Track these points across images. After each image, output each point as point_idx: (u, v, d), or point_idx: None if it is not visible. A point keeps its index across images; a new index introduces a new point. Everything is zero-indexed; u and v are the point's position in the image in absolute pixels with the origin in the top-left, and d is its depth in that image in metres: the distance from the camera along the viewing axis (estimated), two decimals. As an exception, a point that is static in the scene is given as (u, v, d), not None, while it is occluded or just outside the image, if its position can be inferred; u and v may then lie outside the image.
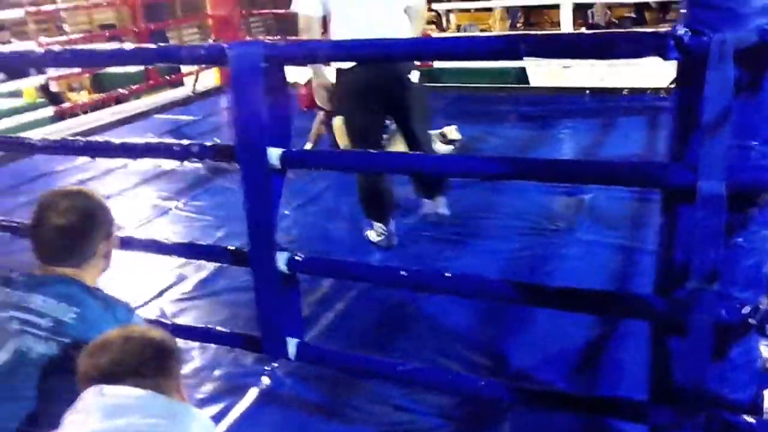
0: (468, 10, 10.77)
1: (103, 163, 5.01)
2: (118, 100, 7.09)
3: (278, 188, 1.68)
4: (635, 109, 5.74)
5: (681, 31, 1.21)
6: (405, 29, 3.05)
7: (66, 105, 6.61)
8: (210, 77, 7.65)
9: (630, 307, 1.47)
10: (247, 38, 7.57)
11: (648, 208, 3.61)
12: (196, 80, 7.29)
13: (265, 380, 2.35)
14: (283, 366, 2.40)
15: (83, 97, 8.62)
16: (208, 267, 3.22)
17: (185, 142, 1.94)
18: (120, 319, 1.44)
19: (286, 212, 3.86)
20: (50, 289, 1.44)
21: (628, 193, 3.71)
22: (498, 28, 10.28)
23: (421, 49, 1.57)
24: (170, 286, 3.14)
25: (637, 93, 6.13)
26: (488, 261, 3.10)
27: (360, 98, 3.09)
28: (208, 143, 2.01)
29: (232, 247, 2.04)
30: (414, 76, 3.09)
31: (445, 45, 1.48)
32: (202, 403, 2.24)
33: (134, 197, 4.38)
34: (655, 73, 6.07)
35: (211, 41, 7.44)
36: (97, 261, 1.56)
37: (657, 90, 6.03)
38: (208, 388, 2.35)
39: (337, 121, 4.38)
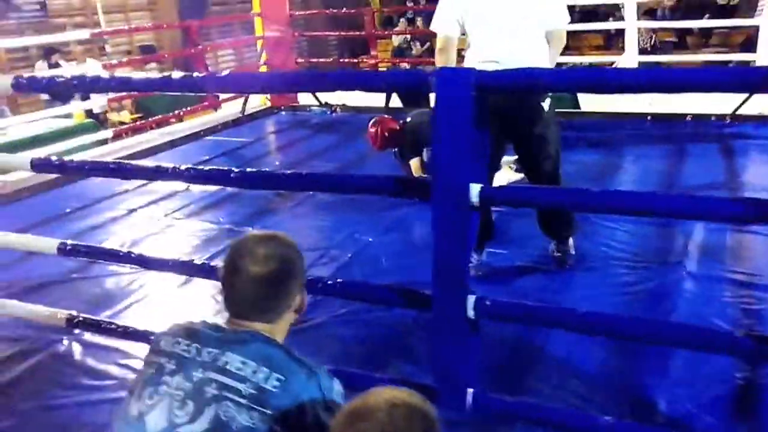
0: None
1: (160, 186, 4.92)
2: (159, 123, 7.02)
3: (474, 227, 1.56)
4: (702, 135, 5.63)
5: None
6: (545, 55, 2.93)
7: (123, 126, 6.57)
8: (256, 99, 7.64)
9: None
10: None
11: (749, 239, 3.49)
12: (245, 102, 7.25)
13: None
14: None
15: (125, 117, 8.65)
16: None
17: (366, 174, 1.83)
18: (324, 388, 1.30)
19: (370, 239, 3.76)
20: (247, 349, 1.29)
21: (726, 224, 3.59)
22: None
23: (665, 80, 1.45)
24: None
25: (700, 119, 6.01)
26: (600, 296, 2.97)
27: (484, 124, 2.95)
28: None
29: (409, 289, 1.87)
30: (546, 104, 2.93)
31: (700, 76, 1.37)
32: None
33: (204, 222, 4.26)
34: (718, 99, 5.97)
35: (262, 62, 7.41)
36: (290, 315, 1.42)
37: (722, 116, 5.93)
38: None
39: (414, 162, 4.27)
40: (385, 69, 8.55)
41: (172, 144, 6.32)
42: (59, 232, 4.06)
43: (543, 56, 2.91)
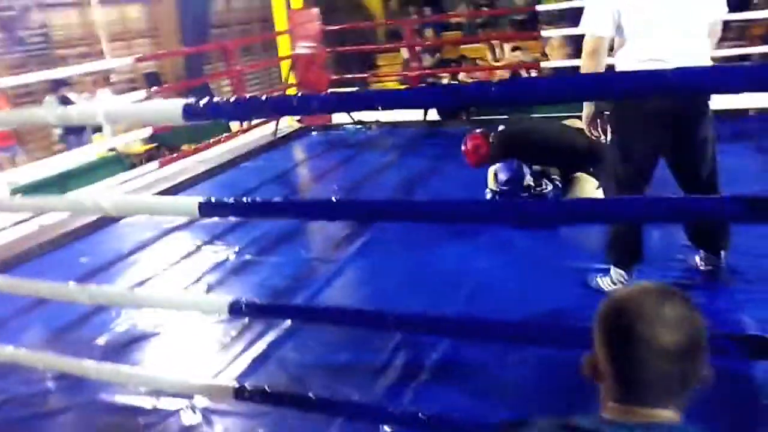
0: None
1: (204, 221, 4.53)
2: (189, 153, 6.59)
3: None
4: (773, 130, 5.38)
5: None
6: (708, 49, 2.64)
7: (167, 157, 6.17)
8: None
9: None
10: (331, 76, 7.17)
11: None
12: (277, 124, 6.89)
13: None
14: None
15: (137, 149, 8.15)
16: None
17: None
18: None
19: (482, 266, 3.41)
20: None
21: None
22: (556, 56, 9.96)
23: None
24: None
25: (764, 113, 5.76)
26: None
27: (646, 127, 2.63)
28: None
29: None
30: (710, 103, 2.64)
31: None
32: None
33: (284, 257, 3.86)
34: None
35: (292, 82, 7.07)
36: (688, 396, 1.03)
37: (790, 110, 5.69)
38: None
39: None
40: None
41: (210, 173, 5.93)
42: (122, 278, 3.68)
43: (708, 51, 2.63)
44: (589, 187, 3.75)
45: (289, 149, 6.74)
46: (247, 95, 6.47)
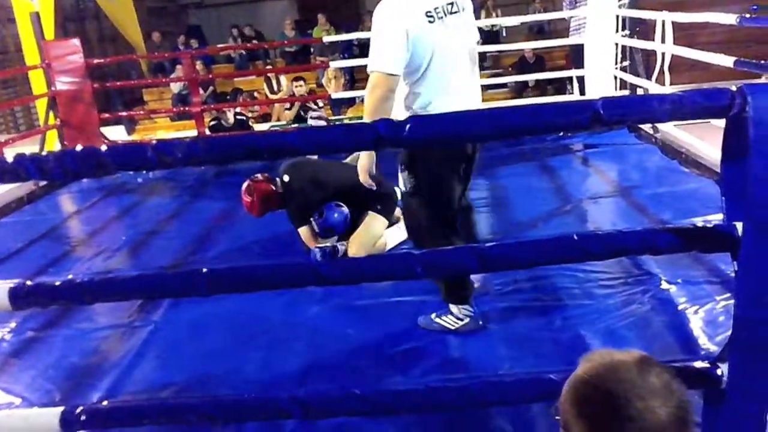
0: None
1: None
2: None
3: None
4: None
5: None
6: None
7: None
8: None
9: None
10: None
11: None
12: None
13: None
14: None
15: None
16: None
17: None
18: None
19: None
20: None
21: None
22: (334, 87, 10.11)
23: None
24: None
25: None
26: (614, 320, 2.78)
27: (456, 163, 2.65)
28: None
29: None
30: None
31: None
32: None
33: (86, 323, 3.27)
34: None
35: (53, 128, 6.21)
36: None
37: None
38: None
39: (304, 231, 3.70)
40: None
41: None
42: None
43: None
44: (378, 226, 3.66)
45: (58, 198, 5.88)
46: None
